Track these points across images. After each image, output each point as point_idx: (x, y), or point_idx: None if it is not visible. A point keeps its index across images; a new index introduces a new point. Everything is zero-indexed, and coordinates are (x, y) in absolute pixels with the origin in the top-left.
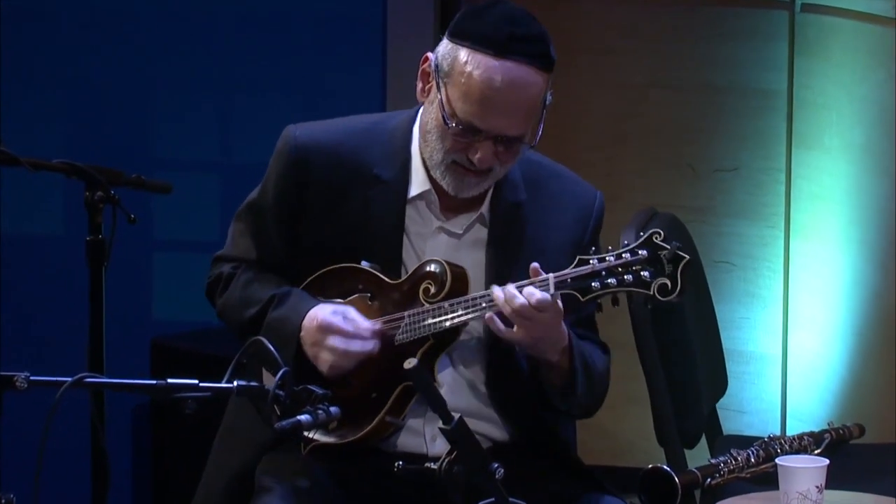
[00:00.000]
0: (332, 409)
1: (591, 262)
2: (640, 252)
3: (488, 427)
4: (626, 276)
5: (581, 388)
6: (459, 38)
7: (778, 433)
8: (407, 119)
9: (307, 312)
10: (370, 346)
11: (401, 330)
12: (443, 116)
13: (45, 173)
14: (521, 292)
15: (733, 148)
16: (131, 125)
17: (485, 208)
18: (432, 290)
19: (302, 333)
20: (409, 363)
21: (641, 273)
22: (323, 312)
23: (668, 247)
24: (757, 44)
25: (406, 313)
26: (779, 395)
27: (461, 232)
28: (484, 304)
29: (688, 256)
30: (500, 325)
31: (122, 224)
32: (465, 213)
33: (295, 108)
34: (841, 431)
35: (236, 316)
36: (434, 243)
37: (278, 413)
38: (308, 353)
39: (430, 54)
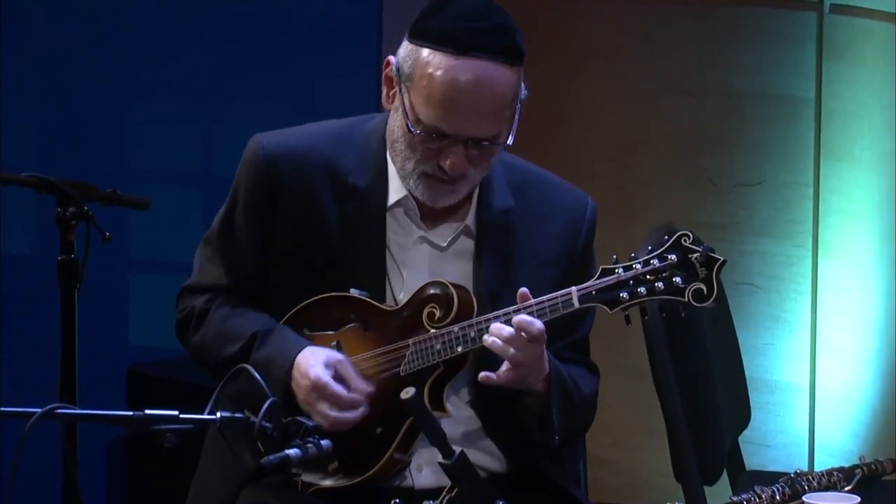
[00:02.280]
0: (324, 442)
1: (616, 271)
2: (668, 257)
3: (483, 457)
4: (656, 284)
5: (557, 411)
6: (419, 38)
7: (805, 468)
8: (381, 122)
9: (296, 356)
10: (356, 416)
11: (406, 359)
12: (407, 124)
13: (12, 187)
14: (510, 323)
15: (757, 160)
16: (106, 135)
17: (470, 219)
18: (438, 314)
19: (293, 383)
20: (407, 393)
21: (673, 279)
22: (315, 369)
23: (699, 249)
24: (782, 47)
25: (410, 341)
26: (806, 428)
27: (445, 244)
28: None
29: (722, 258)
30: (493, 375)
31: (96, 242)
32: (449, 223)
33: (283, 116)
34: (873, 467)
35: (213, 355)
36: (416, 254)
37: (261, 449)
38: (302, 408)
39: (391, 58)
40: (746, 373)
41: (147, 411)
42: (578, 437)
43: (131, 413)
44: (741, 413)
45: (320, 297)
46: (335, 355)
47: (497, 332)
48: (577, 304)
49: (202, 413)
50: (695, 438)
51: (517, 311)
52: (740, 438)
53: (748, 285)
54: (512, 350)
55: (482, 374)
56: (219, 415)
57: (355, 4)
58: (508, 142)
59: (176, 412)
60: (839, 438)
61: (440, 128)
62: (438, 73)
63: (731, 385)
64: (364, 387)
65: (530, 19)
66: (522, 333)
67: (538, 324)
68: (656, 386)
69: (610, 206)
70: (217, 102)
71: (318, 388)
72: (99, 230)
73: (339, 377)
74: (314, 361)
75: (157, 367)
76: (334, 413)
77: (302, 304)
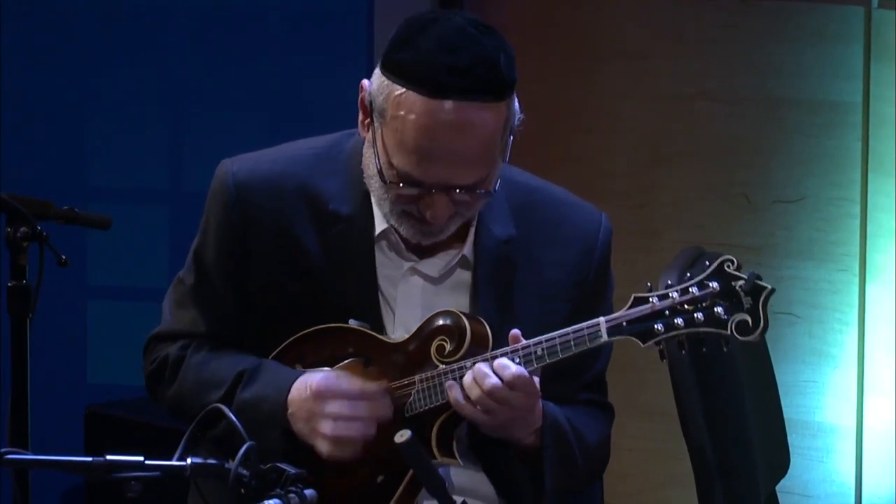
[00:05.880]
0: (308, 491)
1: (650, 300)
2: (710, 284)
3: None
4: (696, 315)
5: (551, 470)
6: (390, 72)
7: None
8: (363, 141)
9: (292, 385)
10: (382, 408)
11: (412, 398)
12: (378, 169)
13: None
14: (491, 368)
15: (797, 173)
16: (62, 146)
17: (467, 248)
18: (448, 347)
19: (291, 410)
20: (402, 436)
21: (714, 309)
22: (315, 378)
23: (744, 276)
24: (826, 47)
25: (417, 377)
26: (852, 476)
27: (438, 276)
28: (518, 360)
29: (770, 286)
30: (460, 397)
31: (51, 266)
32: (443, 251)
33: (261, 125)
34: None
35: (194, 405)
36: (407, 287)
37: (241, 495)
38: (302, 432)
39: (365, 82)
40: (785, 414)
41: (108, 457)
42: (586, 486)
43: (90, 459)
44: (779, 459)
45: (314, 329)
46: (334, 371)
47: (480, 379)
48: (605, 337)
49: (171, 459)
50: (727, 488)
51: (538, 344)
52: (778, 488)
53: (787, 315)
54: (488, 399)
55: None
56: (189, 461)
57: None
58: (494, 188)
59: (141, 458)
60: (889, 487)
61: (414, 176)
62: (412, 117)
63: (767, 428)
64: (375, 385)
65: (544, 16)
66: (500, 383)
67: (513, 368)
68: (683, 429)
69: (632, 226)
70: (186, 110)
71: (322, 392)
72: (54, 252)
73: (345, 380)
74: (312, 377)
75: (120, 408)
76: (347, 410)
77: (294, 337)
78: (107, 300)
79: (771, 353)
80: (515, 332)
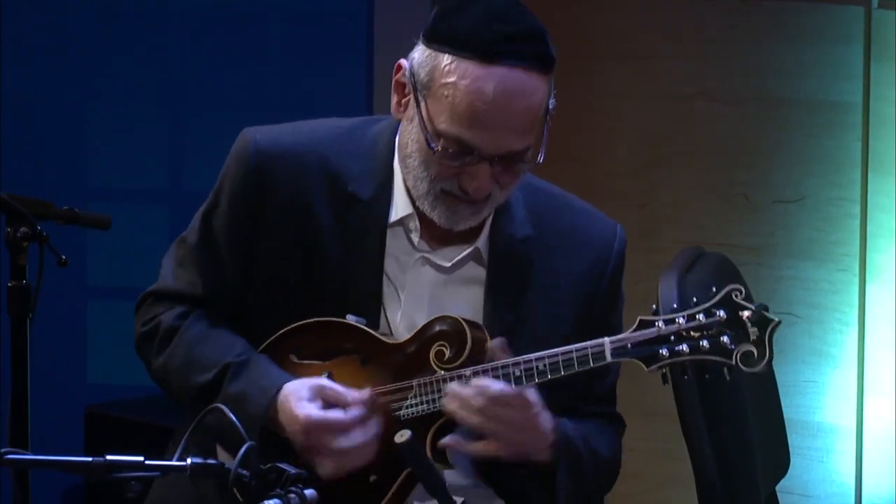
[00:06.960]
0: (308, 491)
1: (656, 324)
2: (717, 313)
3: None
4: (701, 342)
5: (564, 489)
6: (438, 42)
7: None
8: (388, 128)
9: (276, 394)
10: (372, 431)
11: (408, 402)
12: (425, 138)
13: None
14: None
15: (797, 173)
16: (62, 146)
17: (482, 243)
18: (447, 353)
19: (287, 431)
20: (402, 436)
21: (721, 338)
22: (302, 407)
23: (752, 307)
24: (826, 47)
25: (414, 382)
26: (852, 476)
27: (449, 265)
28: (519, 373)
29: (777, 319)
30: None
31: (51, 266)
32: (456, 245)
33: (261, 124)
34: None
35: (179, 381)
36: (416, 276)
37: (240, 498)
38: (303, 457)
39: (403, 61)
40: (785, 414)
41: (108, 457)
42: (596, 499)
43: (90, 459)
44: (779, 460)
45: (311, 321)
46: (315, 382)
47: (453, 394)
48: (609, 358)
49: (170, 458)
50: (727, 489)
51: (539, 359)
52: (778, 488)
53: (787, 315)
54: (479, 419)
55: (443, 440)
56: (189, 461)
57: None
58: (539, 160)
59: (141, 458)
60: (889, 488)
61: (465, 141)
62: (463, 82)
63: (767, 428)
64: (359, 395)
65: (544, 16)
66: (480, 398)
67: (496, 386)
68: (683, 430)
69: (632, 226)
70: (186, 110)
71: (313, 426)
72: (54, 253)
73: (329, 404)
74: (297, 401)
75: (120, 408)
76: (344, 444)
77: (291, 327)
78: (107, 300)
79: None
80: (500, 340)
